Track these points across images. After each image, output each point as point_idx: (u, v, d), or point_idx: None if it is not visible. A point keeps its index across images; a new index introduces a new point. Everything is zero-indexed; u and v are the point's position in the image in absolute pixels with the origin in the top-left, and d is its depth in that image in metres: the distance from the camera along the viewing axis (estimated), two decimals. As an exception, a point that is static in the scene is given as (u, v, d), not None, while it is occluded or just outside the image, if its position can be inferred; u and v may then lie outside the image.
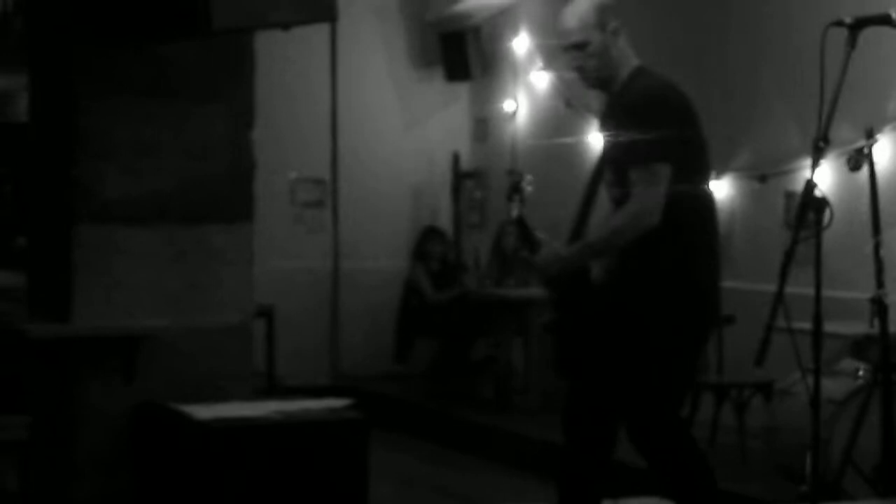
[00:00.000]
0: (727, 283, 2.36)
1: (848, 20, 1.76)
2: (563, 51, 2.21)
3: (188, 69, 2.53)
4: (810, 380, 1.77)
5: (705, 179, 2.16)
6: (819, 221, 1.70)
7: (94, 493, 2.50)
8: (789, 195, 4.08)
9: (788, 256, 1.68)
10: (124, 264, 2.51)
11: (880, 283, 2.74)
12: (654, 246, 1.97)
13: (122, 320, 2.49)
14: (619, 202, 2.04)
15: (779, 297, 1.68)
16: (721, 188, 4.27)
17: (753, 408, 3.72)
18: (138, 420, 2.52)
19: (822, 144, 1.71)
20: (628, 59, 2.12)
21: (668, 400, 2.08)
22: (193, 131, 2.55)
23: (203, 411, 2.36)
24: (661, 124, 1.95)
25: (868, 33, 1.78)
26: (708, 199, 2.17)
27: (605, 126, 2.20)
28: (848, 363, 3.17)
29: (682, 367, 2.13)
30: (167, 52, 2.50)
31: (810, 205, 1.70)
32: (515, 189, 2.22)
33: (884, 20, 1.80)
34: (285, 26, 2.36)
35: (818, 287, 1.74)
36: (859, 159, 2.79)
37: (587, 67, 2.11)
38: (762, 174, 4.31)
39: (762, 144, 4.45)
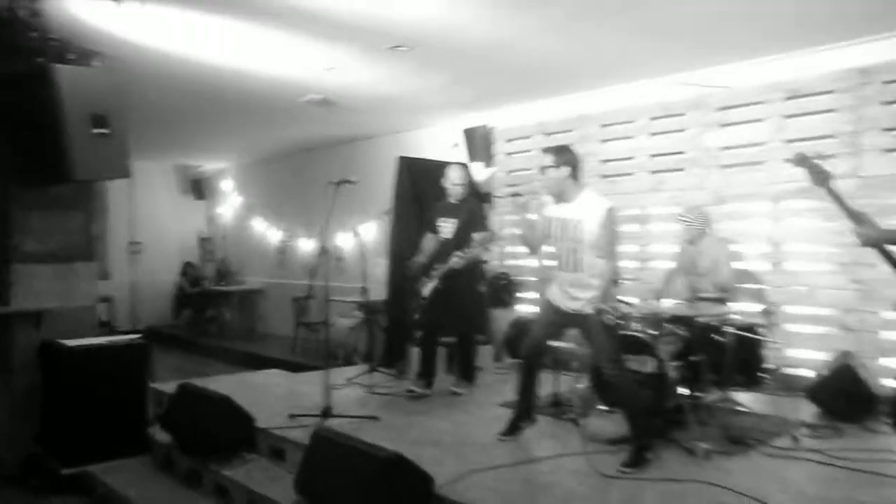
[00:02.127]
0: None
1: (336, 180, 5.55)
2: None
3: (67, 194, 5.93)
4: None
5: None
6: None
7: (24, 383, 5.62)
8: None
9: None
10: (36, 281, 5.77)
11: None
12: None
13: (35, 304, 5.71)
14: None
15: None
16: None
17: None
18: (42, 348, 5.69)
19: (324, 228, 5.52)
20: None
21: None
22: (69, 222, 5.94)
23: (71, 343, 5.60)
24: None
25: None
26: None
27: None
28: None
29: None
30: (55, 189, 5.88)
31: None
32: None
33: (348, 181, 5.62)
34: (111, 178, 5.90)
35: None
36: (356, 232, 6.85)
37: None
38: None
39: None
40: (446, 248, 5.52)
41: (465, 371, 5.88)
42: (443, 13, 4.92)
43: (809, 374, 5.27)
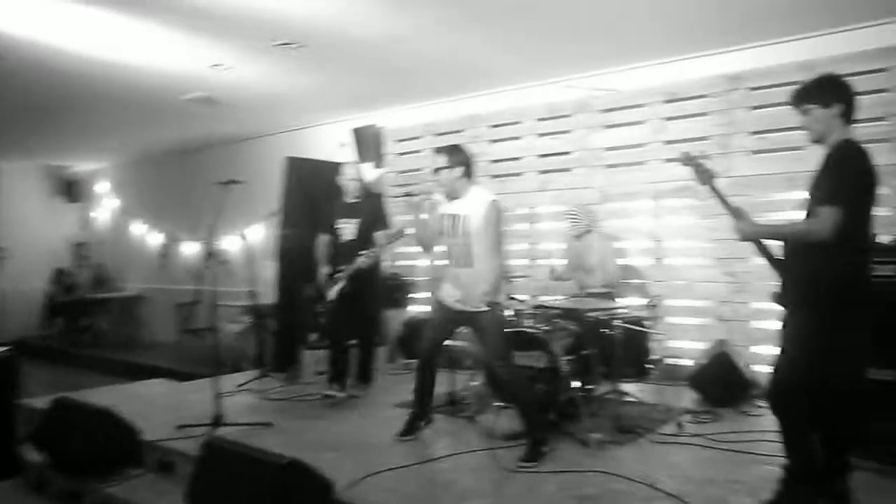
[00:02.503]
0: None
1: (223, 180, 5.26)
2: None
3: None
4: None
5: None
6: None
7: None
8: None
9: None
10: None
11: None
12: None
13: None
14: None
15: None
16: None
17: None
18: None
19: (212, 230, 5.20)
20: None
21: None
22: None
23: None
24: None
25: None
26: None
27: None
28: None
29: None
30: None
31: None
32: None
33: (235, 181, 5.36)
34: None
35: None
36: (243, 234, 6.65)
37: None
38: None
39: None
40: (349, 249, 5.34)
41: (364, 372, 5.81)
42: (333, 10, 4.84)
43: (690, 363, 5.53)
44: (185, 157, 10.74)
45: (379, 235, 5.31)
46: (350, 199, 5.53)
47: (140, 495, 4.02)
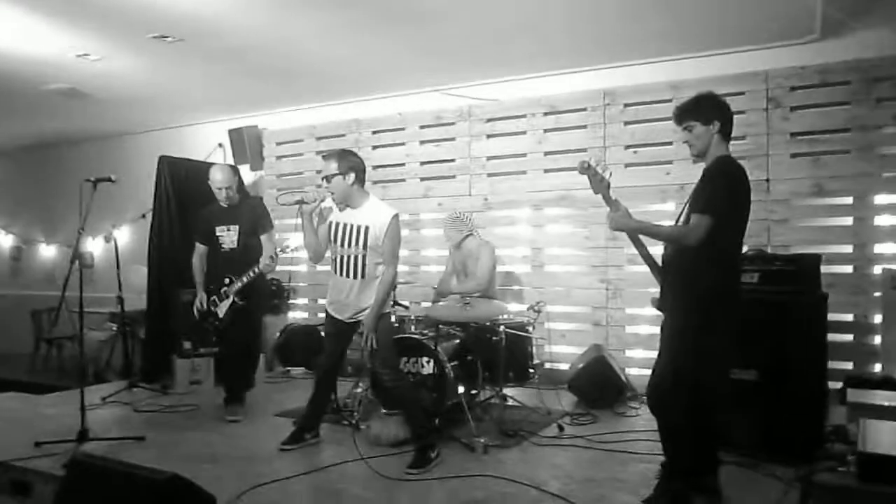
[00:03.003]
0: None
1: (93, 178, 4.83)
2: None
3: None
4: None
5: None
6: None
7: None
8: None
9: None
10: None
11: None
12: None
13: None
14: None
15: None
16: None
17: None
18: None
19: (80, 231, 4.70)
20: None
21: None
22: None
23: None
24: None
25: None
26: None
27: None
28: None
29: None
30: None
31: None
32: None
33: (106, 179, 4.91)
34: None
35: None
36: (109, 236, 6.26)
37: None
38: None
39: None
40: (232, 259, 4.97)
41: (235, 395, 5.18)
42: (215, 6, 4.66)
43: (568, 367, 5.71)
44: (44, 153, 9.97)
45: (264, 257, 4.85)
46: (225, 205, 5.06)
47: (-7, 520, 3.68)
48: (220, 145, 7.95)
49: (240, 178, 5.31)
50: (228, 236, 5.03)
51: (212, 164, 5.57)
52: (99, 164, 8.12)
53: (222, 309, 4.98)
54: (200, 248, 5.17)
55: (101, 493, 3.09)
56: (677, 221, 3.30)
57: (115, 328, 7.50)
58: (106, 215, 8.04)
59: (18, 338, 9.78)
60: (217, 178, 4.99)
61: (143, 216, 7.23)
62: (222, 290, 5.00)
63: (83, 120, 8.20)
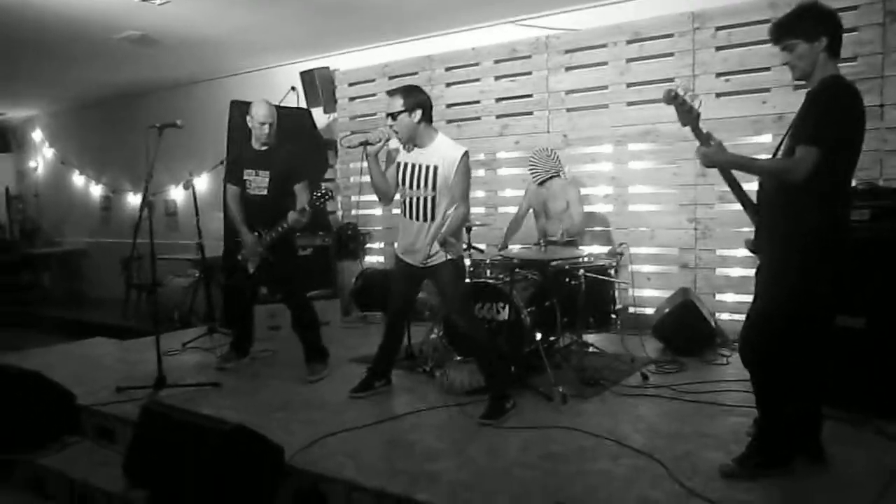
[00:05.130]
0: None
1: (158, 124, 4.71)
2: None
3: None
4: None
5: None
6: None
7: None
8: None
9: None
10: None
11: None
12: None
13: None
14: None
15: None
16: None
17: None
18: None
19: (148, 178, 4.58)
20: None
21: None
22: None
23: None
24: None
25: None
26: None
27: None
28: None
29: None
30: None
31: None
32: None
33: (173, 125, 4.78)
34: None
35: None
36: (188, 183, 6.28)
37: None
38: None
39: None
40: (261, 206, 4.60)
41: (313, 351, 4.84)
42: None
43: (654, 312, 5.41)
44: (125, 103, 10.14)
45: (296, 209, 4.50)
46: (259, 147, 4.67)
47: (76, 465, 3.76)
48: (293, 88, 7.83)
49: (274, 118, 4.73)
50: (257, 181, 4.63)
51: (289, 108, 5.32)
52: (176, 111, 8.01)
53: (253, 263, 4.67)
54: (232, 189, 4.73)
55: (169, 442, 3.08)
56: (775, 154, 2.94)
57: (197, 274, 7.64)
58: (186, 164, 8.14)
59: (111, 284, 10.18)
60: (261, 113, 4.58)
61: (221, 163, 7.23)
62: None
63: (156, 69, 8.23)
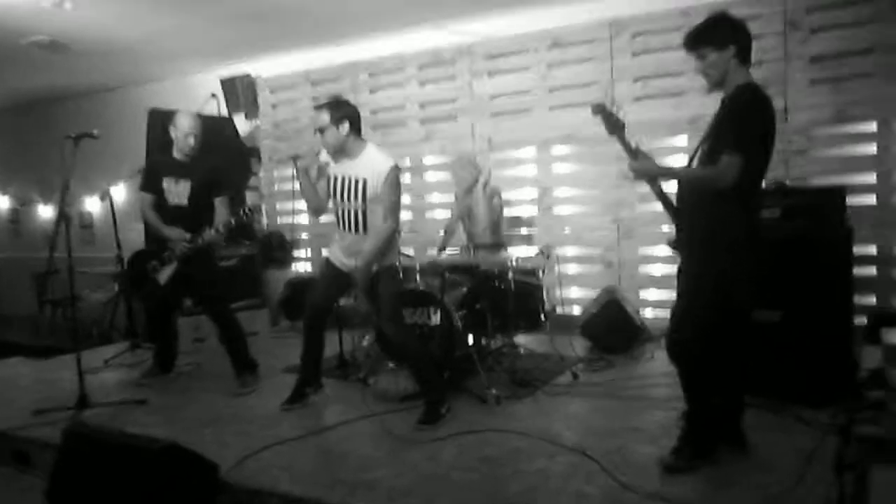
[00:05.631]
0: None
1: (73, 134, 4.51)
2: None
3: None
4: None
5: None
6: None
7: None
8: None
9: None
10: None
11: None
12: None
13: None
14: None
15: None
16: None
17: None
18: None
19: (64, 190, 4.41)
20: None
21: None
22: None
23: None
24: None
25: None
26: None
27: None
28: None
29: None
30: None
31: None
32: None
33: (89, 135, 4.56)
34: None
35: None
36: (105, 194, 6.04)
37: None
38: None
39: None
40: (181, 218, 4.48)
41: (241, 363, 4.76)
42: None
43: (581, 311, 5.54)
44: (34, 110, 9.69)
45: (214, 225, 4.44)
46: (180, 156, 4.55)
47: (-6, 493, 3.58)
48: (214, 96, 7.66)
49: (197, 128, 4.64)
50: (177, 190, 4.52)
51: (207, 116, 5.23)
52: (92, 119, 7.83)
53: (164, 275, 4.54)
54: (147, 198, 4.60)
55: (97, 464, 2.97)
56: (693, 156, 3.07)
57: (116, 288, 7.37)
58: (103, 174, 7.82)
59: (22, 300, 9.70)
60: (186, 124, 4.50)
61: (139, 172, 6.99)
62: (165, 254, 4.56)
63: (69, 75, 7.91)
